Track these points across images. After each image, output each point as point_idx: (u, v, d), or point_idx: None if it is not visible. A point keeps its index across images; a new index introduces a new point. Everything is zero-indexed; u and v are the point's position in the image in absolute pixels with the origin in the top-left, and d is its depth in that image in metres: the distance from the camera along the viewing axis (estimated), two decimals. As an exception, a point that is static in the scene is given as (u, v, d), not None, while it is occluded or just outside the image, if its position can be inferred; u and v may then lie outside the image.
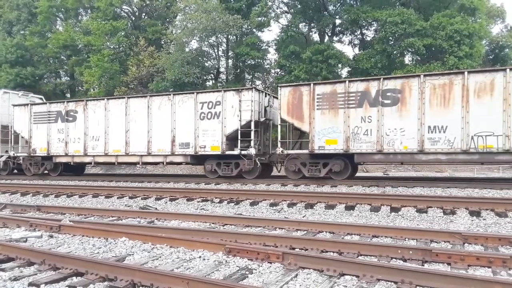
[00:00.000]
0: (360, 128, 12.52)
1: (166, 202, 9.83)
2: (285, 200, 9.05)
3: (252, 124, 13.76)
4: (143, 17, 34.81)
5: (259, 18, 27.16)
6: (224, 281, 3.67)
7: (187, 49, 28.19)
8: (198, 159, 15.12)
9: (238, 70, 30.04)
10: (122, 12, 34.66)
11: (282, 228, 6.31)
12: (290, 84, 15.09)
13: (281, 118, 13.79)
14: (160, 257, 4.70)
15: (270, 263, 4.30)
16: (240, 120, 13.93)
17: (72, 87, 37.41)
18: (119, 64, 30.03)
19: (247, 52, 26.51)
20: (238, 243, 5.07)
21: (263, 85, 31.48)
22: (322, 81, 15.46)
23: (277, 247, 4.94)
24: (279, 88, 14.08)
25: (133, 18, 35.07)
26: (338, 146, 12.76)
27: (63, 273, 4.05)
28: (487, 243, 5.02)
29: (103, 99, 16.99)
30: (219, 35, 28.48)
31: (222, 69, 31.60)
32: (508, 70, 11.02)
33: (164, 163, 15.97)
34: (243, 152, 13.73)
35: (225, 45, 30.51)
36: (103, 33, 29.98)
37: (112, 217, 7.92)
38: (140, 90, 28.20)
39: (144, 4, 33.48)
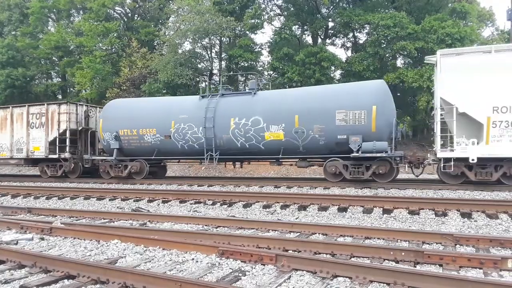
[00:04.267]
0: None
1: (159, 204, 9.78)
2: (278, 202, 9.06)
3: None
4: (135, 18, 34.68)
5: (252, 20, 27.17)
6: (217, 283, 3.66)
7: (180, 51, 28.10)
8: None
9: (231, 72, 30.04)
10: (114, 13, 34.49)
11: (275, 230, 6.32)
12: None
13: None
14: (153, 259, 4.68)
15: (263, 265, 4.30)
16: None
17: (64, 88, 37.12)
18: (111, 66, 29.87)
19: (240, 54, 26.50)
20: (231, 245, 5.06)
21: (257, 88, 31.46)
22: None
23: (270, 249, 4.95)
24: None
25: (126, 19, 34.91)
26: None
27: (55, 275, 4.02)
28: (478, 245, 5.07)
29: None
30: (212, 37, 28.43)
31: (215, 71, 31.57)
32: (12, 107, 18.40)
33: None
34: None
35: (218, 47, 30.49)
36: (95, 34, 29.80)
37: (104, 219, 7.87)
38: (133, 91, 28.07)
39: (137, 6, 33.39)
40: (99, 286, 3.77)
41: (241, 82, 31.03)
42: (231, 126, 13.89)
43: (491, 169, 10.90)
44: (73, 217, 8.19)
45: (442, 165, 11.27)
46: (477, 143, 10.97)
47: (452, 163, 11.06)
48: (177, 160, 17.27)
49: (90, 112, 18.05)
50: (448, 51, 12.17)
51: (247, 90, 14.28)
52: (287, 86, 27.82)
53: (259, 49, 30.24)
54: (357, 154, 12.11)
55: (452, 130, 11.22)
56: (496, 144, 10.72)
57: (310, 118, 12.95)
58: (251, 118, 13.61)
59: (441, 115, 11.41)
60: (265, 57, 30.85)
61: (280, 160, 14.90)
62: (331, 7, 28.77)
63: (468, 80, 11.03)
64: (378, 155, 11.90)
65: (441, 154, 11.36)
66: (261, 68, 30.99)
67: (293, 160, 14.50)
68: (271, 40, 28.92)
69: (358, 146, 12.16)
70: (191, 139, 14.56)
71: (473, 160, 10.83)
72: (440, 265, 4.26)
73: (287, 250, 4.93)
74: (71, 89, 36.17)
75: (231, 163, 16.12)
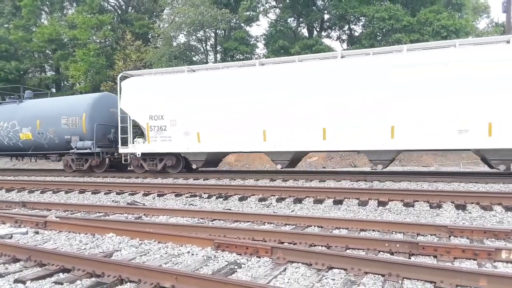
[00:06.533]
0: None
1: (154, 198, 9.77)
2: (273, 195, 9.06)
3: None
4: (129, 10, 34.41)
5: (248, 13, 27.02)
6: (212, 276, 3.66)
7: (174, 44, 27.95)
8: None
9: (227, 65, 29.86)
10: (108, 5, 34.20)
11: (271, 223, 6.32)
12: None
13: None
14: (148, 252, 4.67)
15: (259, 257, 4.30)
16: None
17: (58, 81, 36.85)
18: (106, 59, 29.66)
19: (235, 46, 26.39)
20: (227, 238, 5.06)
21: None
22: None
23: (266, 241, 4.95)
24: None
25: (120, 12, 34.64)
26: None
27: (50, 269, 4.00)
28: (473, 236, 5.09)
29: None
30: (207, 29, 28.27)
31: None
32: None
33: None
34: None
35: (213, 40, 30.33)
36: (89, 27, 29.56)
37: (99, 213, 7.85)
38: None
39: (131, -2, 33.10)
40: (94, 279, 3.75)
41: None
42: None
43: (157, 161, 14.64)
44: (68, 211, 8.16)
45: (124, 158, 15.12)
46: (144, 142, 14.75)
47: (128, 157, 15.03)
48: None
49: None
50: (125, 73, 15.79)
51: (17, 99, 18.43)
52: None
53: (255, 42, 30.13)
54: (73, 150, 15.83)
55: (129, 132, 14.91)
56: (154, 143, 14.44)
57: (47, 122, 16.58)
58: (11, 122, 17.42)
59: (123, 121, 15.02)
60: (261, 50, 30.77)
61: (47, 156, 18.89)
62: (327, -1, 28.65)
63: (136, 95, 14.62)
64: (85, 151, 15.60)
65: (121, 150, 15.06)
66: (256, 61, 30.82)
67: (54, 154, 18.02)
68: (267, 33, 28.80)
69: (75, 144, 15.76)
70: None
71: (138, 154, 14.63)
72: (435, 257, 4.28)
73: (282, 243, 4.93)
74: (65, 82, 35.91)
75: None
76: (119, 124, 14.95)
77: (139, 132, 16.24)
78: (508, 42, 10.92)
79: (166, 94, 14.22)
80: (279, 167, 13.19)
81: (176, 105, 14.07)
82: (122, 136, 14.92)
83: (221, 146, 13.60)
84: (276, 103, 12.67)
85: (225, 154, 15.42)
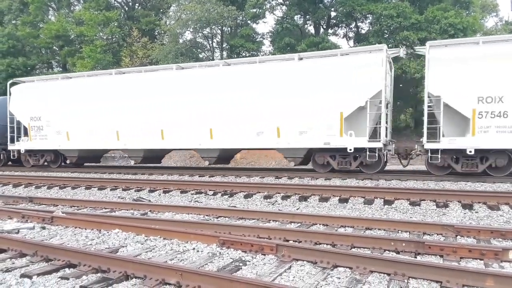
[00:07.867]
0: None
1: (160, 194, 9.80)
2: (279, 193, 9.05)
3: None
4: (136, 7, 34.47)
5: (254, 10, 26.97)
6: (217, 272, 3.66)
7: (181, 41, 27.98)
8: None
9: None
10: (115, 2, 34.27)
11: (276, 221, 6.32)
12: None
13: None
14: (154, 249, 4.68)
15: (264, 255, 4.30)
16: None
17: (65, 78, 37.00)
18: (112, 55, 29.77)
19: (241, 44, 26.37)
20: (232, 235, 5.07)
21: None
22: None
23: (271, 239, 4.94)
24: None
25: (126, 9, 34.72)
26: None
27: (56, 264, 4.02)
28: (479, 236, 5.06)
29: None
30: (214, 26, 28.26)
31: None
32: None
33: None
34: None
35: (219, 37, 30.33)
36: (96, 24, 29.67)
37: (105, 209, 7.88)
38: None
39: (138, -6, 33.14)
40: (100, 275, 3.77)
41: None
42: None
43: (39, 157, 16.79)
44: (75, 206, 8.21)
45: (12, 154, 17.05)
46: (27, 140, 16.75)
47: (15, 153, 17.04)
48: None
49: None
50: (14, 80, 17.70)
51: None
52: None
53: (261, 39, 30.07)
54: None
55: (15, 131, 16.93)
56: (34, 141, 16.58)
57: None
58: None
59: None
60: (267, 47, 30.70)
61: None
62: (334, -4, 28.49)
63: (21, 100, 16.75)
64: None
65: (9, 147, 17.00)
66: (262, 58, 30.74)
67: None
68: (273, 30, 28.73)
69: None
70: None
71: (22, 151, 16.81)
72: (441, 256, 4.25)
73: (287, 240, 4.93)
74: (72, 78, 36.01)
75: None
76: (8, 124, 17.00)
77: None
78: (300, 59, 12.62)
79: (44, 98, 16.26)
80: (132, 162, 15.65)
81: (50, 108, 16.18)
82: (11, 134, 17.09)
83: (86, 144, 15.70)
84: (127, 109, 14.78)
85: (101, 151, 17.08)
